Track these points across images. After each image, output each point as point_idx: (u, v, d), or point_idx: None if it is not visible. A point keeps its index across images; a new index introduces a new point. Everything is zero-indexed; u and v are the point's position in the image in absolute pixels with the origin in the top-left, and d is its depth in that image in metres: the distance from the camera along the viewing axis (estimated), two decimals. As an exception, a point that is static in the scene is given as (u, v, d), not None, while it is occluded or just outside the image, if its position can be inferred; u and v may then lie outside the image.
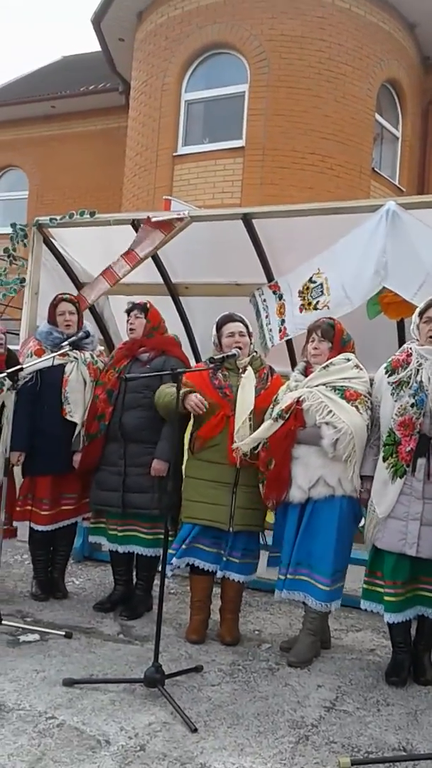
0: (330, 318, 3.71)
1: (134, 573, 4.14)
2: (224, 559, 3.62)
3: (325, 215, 4.61)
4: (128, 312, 4.12)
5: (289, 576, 3.41)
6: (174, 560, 3.59)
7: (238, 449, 3.51)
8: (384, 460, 3.25)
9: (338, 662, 3.55)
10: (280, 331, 4.62)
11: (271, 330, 4.72)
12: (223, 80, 10.25)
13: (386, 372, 3.36)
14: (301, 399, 3.42)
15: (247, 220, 4.71)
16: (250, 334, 3.80)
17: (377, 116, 10.52)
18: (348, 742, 2.71)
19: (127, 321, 4.11)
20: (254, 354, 3.82)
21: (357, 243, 4.48)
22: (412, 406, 3.19)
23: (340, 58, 9.86)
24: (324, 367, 3.49)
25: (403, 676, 3.31)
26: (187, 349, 5.27)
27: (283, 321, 4.68)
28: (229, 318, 3.79)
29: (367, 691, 3.21)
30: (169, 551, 3.61)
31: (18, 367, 3.66)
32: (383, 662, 3.54)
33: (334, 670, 3.43)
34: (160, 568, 3.36)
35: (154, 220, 4.73)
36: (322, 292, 4.40)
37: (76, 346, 4.04)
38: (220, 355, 3.63)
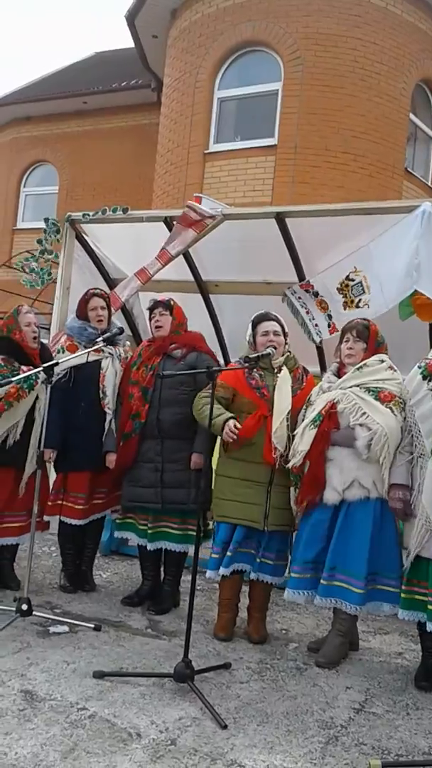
0: (365, 319, 3.70)
1: (162, 568, 4.15)
2: (258, 560, 3.62)
3: (358, 215, 4.61)
4: (151, 309, 4.09)
5: (323, 582, 3.38)
6: (222, 570, 3.59)
7: (276, 449, 3.50)
8: None
9: (366, 664, 3.54)
10: (329, 326, 4.63)
11: (317, 325, 4.72)
12: (257, 78, 10.22)
13: (423, 377, 3.32)
14: (335, 401, 3.41)
15: (280, 218, 4.71)
16: (285, 334, 3.79)
17: (411, 116, 10.43)
18: (378, 744, 2.70)
19: (151, 318, 4.09)
20: (289, 354, 3.81)
21: (391, 243, 4.46)
22: None
23: (375, 57, 9.78)
24: (358, 368, 3.48)
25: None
26: (215, 346, 5.29)
27: (330, 316, 4.70)
28: (265, 317, 3.78)
29: (396, 695, 3.19)
30: (212, 555, 3.63)
31: (54, 362, 3.70)
32: (412, 666, 3.52)
33: (362, 672, 3.42)
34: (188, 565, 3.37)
35: (187, 216, 4.74)
36: (363, 290, 4.42)
37: (111, 341, 4.07)
38: (255, 354, 3.63)
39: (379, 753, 2.63)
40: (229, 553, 3.60)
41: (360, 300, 4.48)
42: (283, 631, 3.93)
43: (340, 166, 9.67)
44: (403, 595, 3.35)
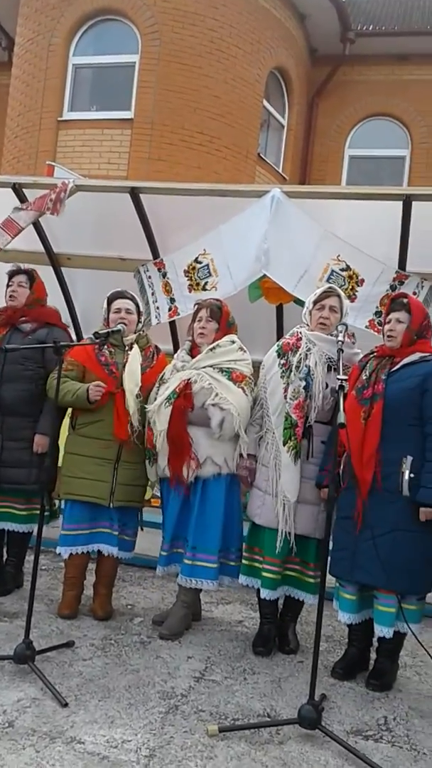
0: (217, 299, 3.76)
1: (4, 549, 4.02)
2: (108, 534, 3.62)
3: (212, 196, 4.66)
4: (11, 275, 3.91)
5: (187, 562, 3.45)
6: (72, 549, 3.59)
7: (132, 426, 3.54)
8: (284, 444, 3.34)
9: (208, 634, 3.66)
10: (170, 309, 4.64)
11: (158, 307, 4.72)
12: (114, 48, 9.99)
13: (278, 355, 3.46)
14: (190, 380, 3.46)
15: (135, 194, 4.66)
16: (139, 313, 3.80)
17: (265, 102, 10.68)
18: (216, 710, 2.81)
19: (8, 285, 3.91)
20: (141, 332, 3.81)
21: (241, 226, 4.56)
22: (304, 389, 3.32)
23: (231, 40, 9.88)
24: (211, 349, 3.55)
25: (269, 646, 3.47)
26: (67, 322, 5.16)
27: (172, 300, 4.71)
28: (120, 294, 3.78)
29: (234, 661, 3.33)
30: (62, 533, 3.59)
31: None
32: (251, 633, 3.68)
33: (204, 642, 3.53)
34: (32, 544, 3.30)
35: (37, 198, 4.55)
36: (209, 272, 4.46)
37: None
38: (105, 331, 3.59)
39: (216, 718, 2.74)
40: (82, 532, 3.58)
41: (207, 283, 4.54)
42: (129, 606, 3.96)
43: (197, 146, 9.71)
44: (244, 561, 3.52)
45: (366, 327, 4.56)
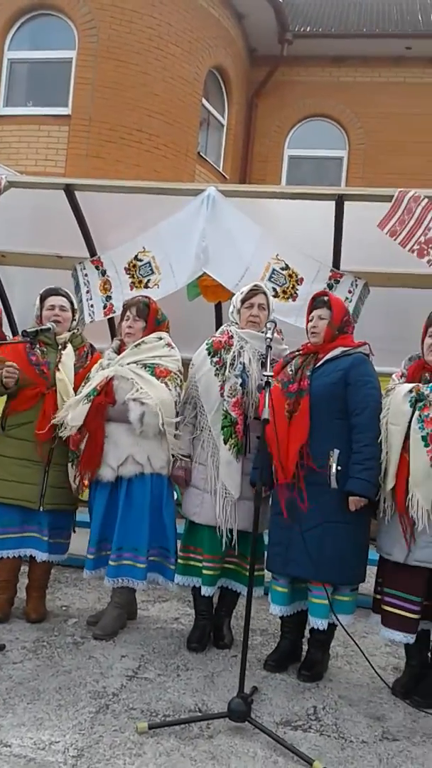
0: (146, 297, 3.76)
1: None
2: (39, 539, 3.57)
3: (149, 194, 4.66)
4: None
5: (112, 563, 3.40)
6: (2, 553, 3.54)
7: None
8: (225, 442, 3.34)
9: (143, 632, 3.65)
10: (105, 307, 4.60)
11: (92, 306, 4.68)
12: (51, 44, 9.87)
13: (208, 353, 3.47)
14: (111, 377, 3.44)
15: (69, 191, 4.61)
16: (73, 311, 3.76)
17: (204, 101, 10.70)
18: (147, 707, 2.81)
19: None
20: (75, 331, 3.78)
21: (179, 225, 4.56)
22: (240, 386, 3.35)
23: (170, 38, 9.88)
24: (136, 346, 3.53)
25: (204, 641, 3.49)
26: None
27: (108, 297, 4.66)
28: (53, 291, 3.75)
29: (168, 658, 3.33)
30: None
31: None
32: (186, 630, 3.68)
33: (138, 640, 3.52)
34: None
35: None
36: (152, 270, 4.46)
37: None
38: (33, 329, 3.54)
39: (147, 716, 2.74)
40: (12, 536, 3.52)
41: (149, 280, 4.53)
42: (64, 608, 3.92)
43: (135, 144, 9.68)
44: (179, 561, 3.51)
45: None
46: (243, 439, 3.33)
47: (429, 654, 3.19)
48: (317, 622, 3.17)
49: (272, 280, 4.35)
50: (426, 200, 4.41)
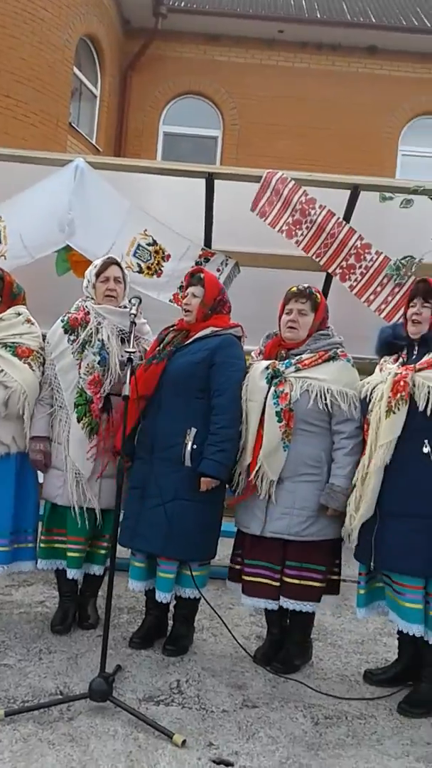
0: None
1: None
2: None
3: (12, 162, 4.46)
4: None
5: None
6: None
7: None
8: (78, 420, 3.26)
9: (5, 618, 3.54)
10: None
11: None
12: None
13: (65, 331, 3.36)
14: None
15: None
16: None
17: (76, 70, 10.34)
18: (5, 694, 2.72)
19: None
20: None
21: (42, 195, 4.41)
22: (99, 363, 3.26)
23: (40, 3, 9.42)
24: (-6, 323, 3.36)
25: (68, 623, 3.42)
26: None
27: None
28: None
29: (31, 642, 3.25)
30: None
31: None
32: (51, 613, 3.61)
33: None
34: None
35: None
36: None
37: None
38: None
39: (5, 703, 2.66)
40: None
41: None
42: None
43: (3, 110, 9.19)
44: (42, 545, 3.42)
45: (170, 301, 4.61)
46: (99, 417, 3.27)
47: (288, 621, 3.30)
48: (161, 596, 3.19)
49: (136, 255, 4.33)
50: (293, 182, 4.52)
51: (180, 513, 3.08)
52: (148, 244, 4.58)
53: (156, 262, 4.63)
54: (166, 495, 3.08)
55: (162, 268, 4.64)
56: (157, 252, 4.63)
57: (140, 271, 4.49)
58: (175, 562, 3.15)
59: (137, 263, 4.46)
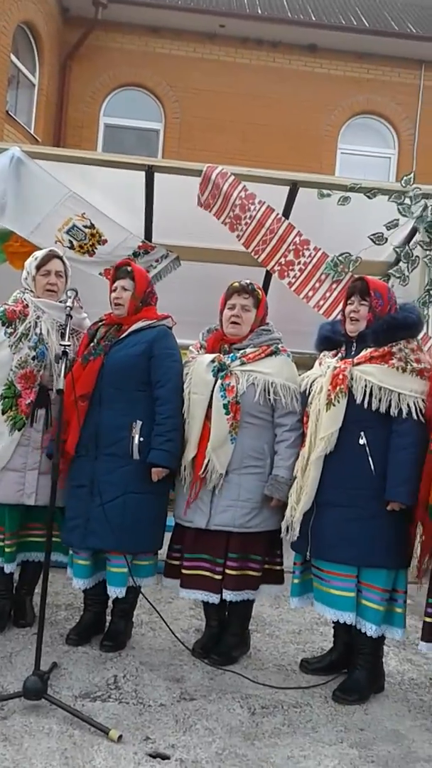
0: None
1: None
2: None
3: None
4: None
5: None
6: None
7: None
8: (3, 413, 3.20)
9: None
10: None
11: None
12: None
13: (2, 323, 3.28)
14: None
15: None
16: None
17: (13, 57, 10.10)
18: None
19: None
20: None
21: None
22: (33, 359, 3.21)
23: (-26, -15, 9.19)
24: None
25: (3, 622, 3.36)
26: None
27: None
28: None
29: (-36, 642, 3.17)
30: None
31: None
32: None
33: None
34: None
35: None
36: None
37: None
38: None
39: None
40: None
41: None
42: None
43: None
44: None
45: (100, 274, 4.62)
46: (28, 412, 3.21)
47: (226, 614, 3.32)
48: (116, 591, 3.17)
49: (69, 233, 4.43)
50: (233, 177, 4.54)
51: (132, 506, 3.08)
52: (85, 226, 4.59)
53: (91, 243, 4.65)
54: (114, 491, 3.07)
55: (95, 250, 4.67)
56: (93, 235, 4.64)
57: (71, 248, 4.55)
58: (125, 555, 3.12)
59: (69, 240, 4.55)
